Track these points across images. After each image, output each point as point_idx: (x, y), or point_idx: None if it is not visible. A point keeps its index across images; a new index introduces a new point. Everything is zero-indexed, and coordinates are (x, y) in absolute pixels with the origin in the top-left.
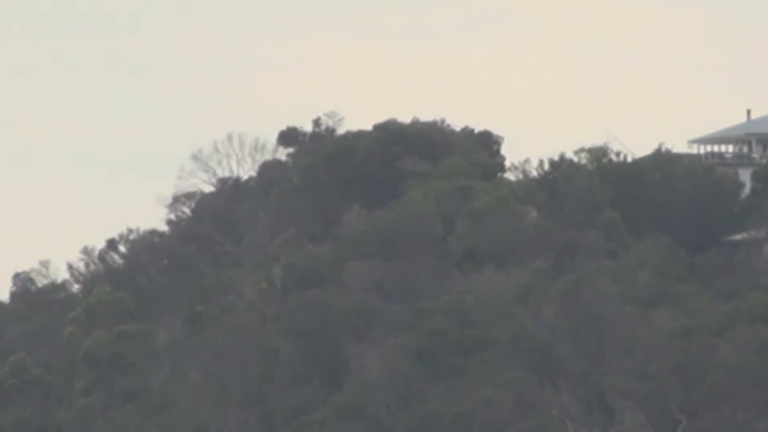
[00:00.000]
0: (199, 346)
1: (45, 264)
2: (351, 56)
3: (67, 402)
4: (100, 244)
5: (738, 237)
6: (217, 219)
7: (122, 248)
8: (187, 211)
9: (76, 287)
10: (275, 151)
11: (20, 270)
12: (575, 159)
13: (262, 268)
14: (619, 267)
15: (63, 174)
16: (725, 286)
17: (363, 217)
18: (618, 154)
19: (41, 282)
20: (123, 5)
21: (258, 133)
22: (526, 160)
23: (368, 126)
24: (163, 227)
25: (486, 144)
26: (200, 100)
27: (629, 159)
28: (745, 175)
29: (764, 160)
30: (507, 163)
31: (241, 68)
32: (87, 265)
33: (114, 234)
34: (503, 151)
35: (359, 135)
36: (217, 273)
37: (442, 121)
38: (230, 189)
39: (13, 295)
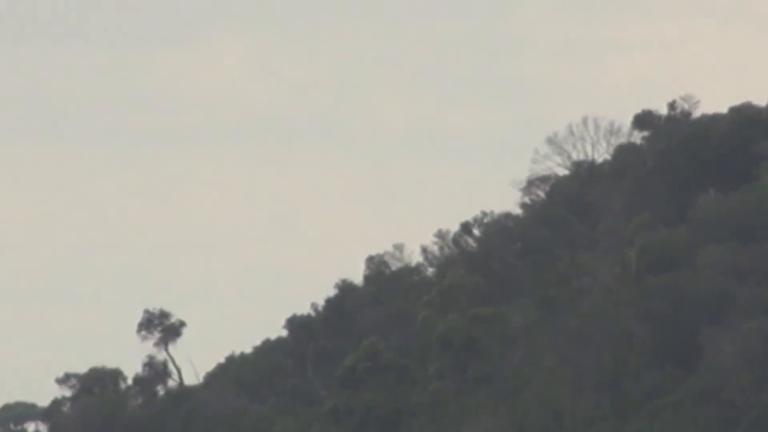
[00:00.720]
0: (554, 329)
1: (399, 247)
2: (707, 38)
3: (421, 385)
4: (454, 228)
5: None
6: (572, 202)
7: (476, 232)
8: (542, 194)
9: (430, 271)
10: (630, 134)
11: (374, 253)
12: None
13: (617, 252)
14: None
15: (419, 157)
16: None
17: (718, 200)
18: None
19: (395, 265)
20: None
21: (613, 116)
22: None
23: (724, 109)
24: (517, 211)
25: None
26: (556, 83)
27: None
28: None
29: None
30: None
31: (597, 51)
32: (441, 248)
33: (468, 217)
34: None
35: (715, 118)
36: (572, 256)
37: None
38: (585, 172)
39: (367, 279)
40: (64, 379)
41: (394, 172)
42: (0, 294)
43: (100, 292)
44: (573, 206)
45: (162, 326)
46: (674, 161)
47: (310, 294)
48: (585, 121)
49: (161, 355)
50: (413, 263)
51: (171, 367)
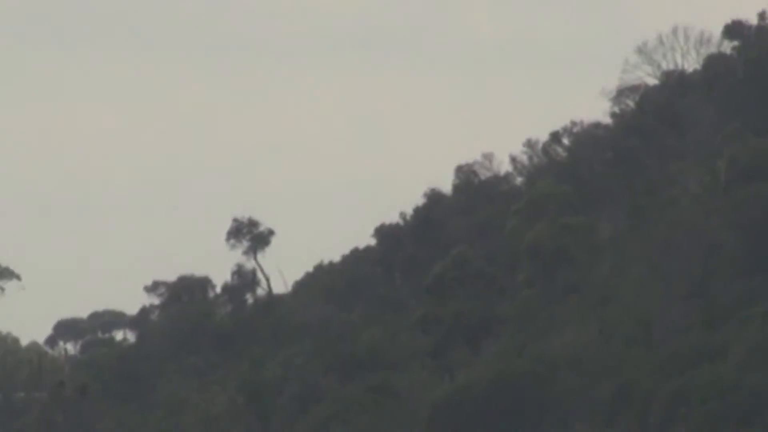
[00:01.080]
0: (642, 239)
1: (488, 157)
2: None
3: (509, 294)
4: (543, 137)
5: None
6: (661, 112)
7: (566, 141)
8: (631, 104)
9: (519, 180)
10: (720, 44)
11: (463, 162)
12: None
13: (706, 162)
14: None
15: (509, 67)
16: None
17: None
18: None
19: (484, 175)
20: None
21: (703, 26)
22: None
23: None
24: (607, 120)
25: None
26: None
27: None
28: None
29: None
30: None
31: None
32: (530, 157)
33: (558, 127)
34: None
35: None
36: (661, 166)
37: None
38: (675, 82)
39: (456, 188)
40: (153, 287)
41: (484, 82)
42: (90, 203)
43: (189, 201)
44: (663, 116)
45: (251, 234)
46: (764, 71)
47: (399, 203)
48: (675, 30)
49: (250, 264)
50: (502, 172)
51: (259, 275)
